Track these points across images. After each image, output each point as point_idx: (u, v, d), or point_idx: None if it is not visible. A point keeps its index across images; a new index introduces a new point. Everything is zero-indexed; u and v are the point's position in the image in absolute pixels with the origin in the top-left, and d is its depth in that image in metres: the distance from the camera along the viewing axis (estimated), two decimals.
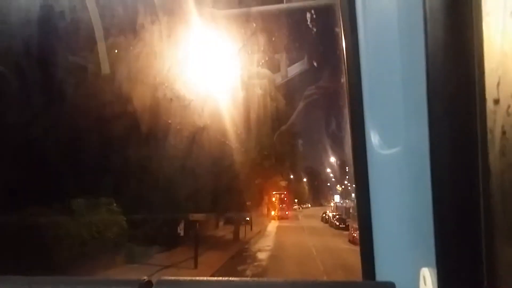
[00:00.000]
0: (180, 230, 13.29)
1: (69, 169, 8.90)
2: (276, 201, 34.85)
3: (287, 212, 34.88)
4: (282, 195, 35.45)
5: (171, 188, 11.05)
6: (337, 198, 39.76)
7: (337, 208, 34.93)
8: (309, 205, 50.85)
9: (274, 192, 34.08)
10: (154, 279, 0.82)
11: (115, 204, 10.63)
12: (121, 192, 10.37)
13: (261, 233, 23.18)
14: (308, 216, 37.90)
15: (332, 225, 26.45)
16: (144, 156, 10.05)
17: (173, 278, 0.82)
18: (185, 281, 0.82)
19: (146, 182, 10.60)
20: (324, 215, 31.43)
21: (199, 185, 12.27)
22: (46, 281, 0.82)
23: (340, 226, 24.38)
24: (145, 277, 0.82)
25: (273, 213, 33.97)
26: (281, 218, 33.29)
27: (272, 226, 27.58)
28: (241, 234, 19.13)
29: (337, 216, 27.35)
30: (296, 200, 46.77)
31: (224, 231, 19.08)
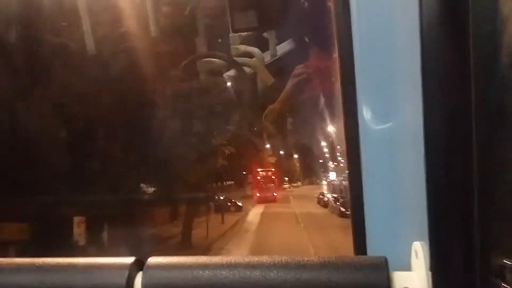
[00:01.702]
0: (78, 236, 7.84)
1: None
2: (262, 180, 28.91)
3: (275, 194, 28.79)
4: (269, 173, 29.43)
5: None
6: (332, 175, 33.16)
7: (333, 187, 27.92)
8: (300, 183, 45.24)
9: (259, 170, 28.97)
10: (145, 258, 0.81)
11: None
12: None
13: (236, 228, 17.01)
14: (301, 197, 31.84)
15: (334, 210, 19.26)
16: None
17: (165, 257, 0.81)
18: (176, 259, 0.81)
19: None
20: (321, 196, 25.12)
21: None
22: (25, 264, 0.80)
23: (347, 213, 16.48)
24: (136, 257, 0.81)
25: (258, 194, 28.37)
26: (267, 200, 27.03)
27: (254, 214, 21.79)
28: (202, 232, 13.19)
29: (341, 200, 18.60)
30: (286, 179, 40.83)
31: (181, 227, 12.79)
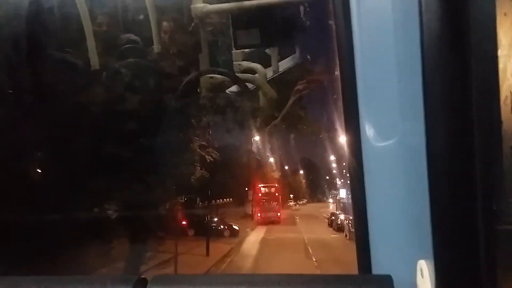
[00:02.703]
0: None
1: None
2: (264, 198, 24.63)
3: (278, 214, 24.52)
4: (272, 189, 25.33)
5: None
6: (342, 193, 29.76)
7: (344, 206, 23.95)
8: (306, 201, 42.27)
9: (261, 185, 24.87)
10: (149, 276, 0.81)
11: None
12: None
13: (223, 263, 11.69)
14: (308, 217, 27.96)
15: (352, 236, 11.00)
16: None
17: (168, 274, 0.81)
18: (180, 277, 0.80)
19: None
20: (333, 217, 21.57)
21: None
22: (37, 280, 0.81)
23: None
24: (140, 275, 0.81)
25: (259, 214, 24.11)
26: (270, 222, 23.17)
27: (252, 241, 17.20)
28: (169, 270, 9.15)
29: None
30: (291, 196, 37.60)
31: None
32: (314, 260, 11.80)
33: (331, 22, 1.02)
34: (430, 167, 0.73)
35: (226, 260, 12.65)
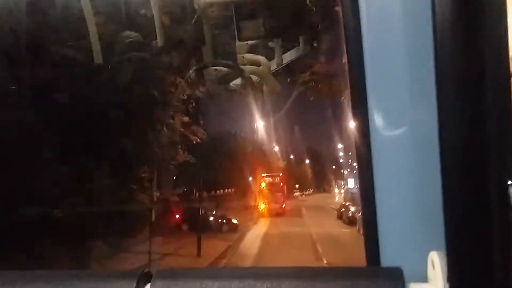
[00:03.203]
0: None
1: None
2: (268, 188, 22.95)
3: (283, 205, 22.88)
4: (277, 179, 23.66)
5: None
6: (351, 183, 27.51)
7: (352, 197, 21.94)
8: (312, 191, 40.65)
9: (264, 175, 23.39)
10: (153, 270, 0.80)
11: None
12: None
13: (217, 266, 9.80)
14: (315, 208, 25.56)
15: None
16: None
17: (173, 268, 0.79)
18: (185, 271, 0.79)
19: None
20: (343, 209, 19.24)
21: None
22: (40, 275, 0.79)
23: None
24: (144, 269, 0.80)
25: (262, 206, 22.42)
26: (274, 214, 21.49)
27: (253, 237, 15.49)
28: None
29: None
30: (297, 186, 36.14)
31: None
32: (325, 262, 10.35)
33: (338, 8, 0.99)
34: (442, 157, 0.71)
35: (220, 261, 10.87)
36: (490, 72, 0.67)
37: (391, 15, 0.85)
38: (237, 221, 16.71)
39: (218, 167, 19.17)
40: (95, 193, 9.28)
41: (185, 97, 11.80)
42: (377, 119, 0.89)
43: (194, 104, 13.11)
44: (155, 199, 16.03)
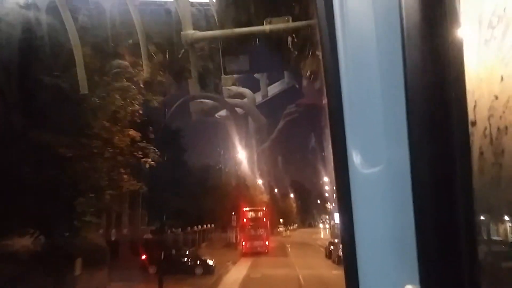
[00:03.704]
0: None
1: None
2: (250, 224, 20.92)
3: (266, 242, 20.90)
4: (260, 214, 21.69)
5: None
6: (337, 218, 24.44)
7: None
8: (296, 226, 38.92)
9: (247, 209, 21.44)
10: None
11: None
12: None
13: None
14: (301, 245, 24.04)
15: None
16: None
17: None
18: None
19: None
20: (331, 247, 17.33)
21: None
22: None
23: None
24: None
25: (243, 243, 20.61)
26: (256, 252, 19.63)
27: (229, 283, 13.19)
28: None
29: None
30: (281, 221, 34.16)
31: None
32: None
33: (318, 53, 1.05)
34: (415, 194, 0.75)
35: None
36: (457, 114, 0.73)
37: (367, 62, 0.91)
38: (213, 262, 14.90)
39: (196, 201, 18.36)
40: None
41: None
42: (355, 158, 0.94)
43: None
44: (112, 237, 14.41)
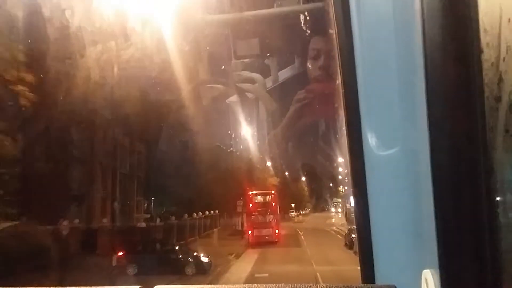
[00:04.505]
0: None
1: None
2: (257, 209, 17.97)
3: (276, 231, 17.89)
4: (268, 198, 18.52)
5: None
6: (352, 201, 23.67)
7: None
8: (308, 210, 36.58)
9: (252, 192, 18.37)
10: (151, 286, 0.80)
11: None
12: None
13: None
14: (315, 232, 21.10)
15: None
16: None
17: (169, 286, 0.80)
18: None
19: None
20: (352, 235, 14.61)
21: None
22: None
23: None
24: (141, 286, 0.80)
25: (250, 233, 17.58)
26: (265, 241, 16.80)
27: (231, 280, 11.36)
28: None
29: None
30: (293, 205, 31.51)
31: None
32: None
33: (332, 31, 1.02)
34: (434, 175, 0.73)
35: None
36: (480, 92, 0.70)
37: (384, 40, 0.88)
38: (209, 258, 12.26)
39: (199, 185, 15.63)
40: None
41: None
42: (370, 140, 0.91)
43: None
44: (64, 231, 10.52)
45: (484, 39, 0.68)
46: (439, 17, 0.70)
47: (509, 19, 0.62)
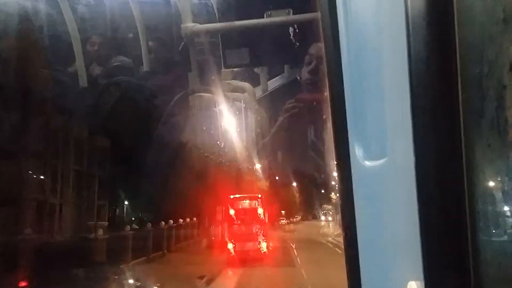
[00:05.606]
0: None
1: None
2: (240, 217, 14.15)
3: (264, 244, 13.84)
4: (254, 203, 14.65)
5: None
6: None
7: None
8: (299, 218, 34.07)
9: (234, 196, 14.45)
10: None
11: None
12: None
13: None
14: (309, 243, 17.92)
15: None
16: None
17: None
18: None
19: None
20: None
21: None
22: None
23: None
24: None
25: (230, 246, 13.34)
26: (250, 258, 12.88)
27: None
28: None
29: None
30: (283, 212, 27.75)
31: None
32: None
33: (321, 44, 1.03)
34: (419, 187, 0.74)
35: None
36: (464, 105, 0.71)
37: (370, 52, 0.89)
38: None
39: (173, 189, 12.23)
40: None
41: None
42: (357, 150, 0.92)
43: None
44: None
45: (467, 55, 0.69)
46: (424, 34, 0.72)
47: (490, 36, 0.63)
